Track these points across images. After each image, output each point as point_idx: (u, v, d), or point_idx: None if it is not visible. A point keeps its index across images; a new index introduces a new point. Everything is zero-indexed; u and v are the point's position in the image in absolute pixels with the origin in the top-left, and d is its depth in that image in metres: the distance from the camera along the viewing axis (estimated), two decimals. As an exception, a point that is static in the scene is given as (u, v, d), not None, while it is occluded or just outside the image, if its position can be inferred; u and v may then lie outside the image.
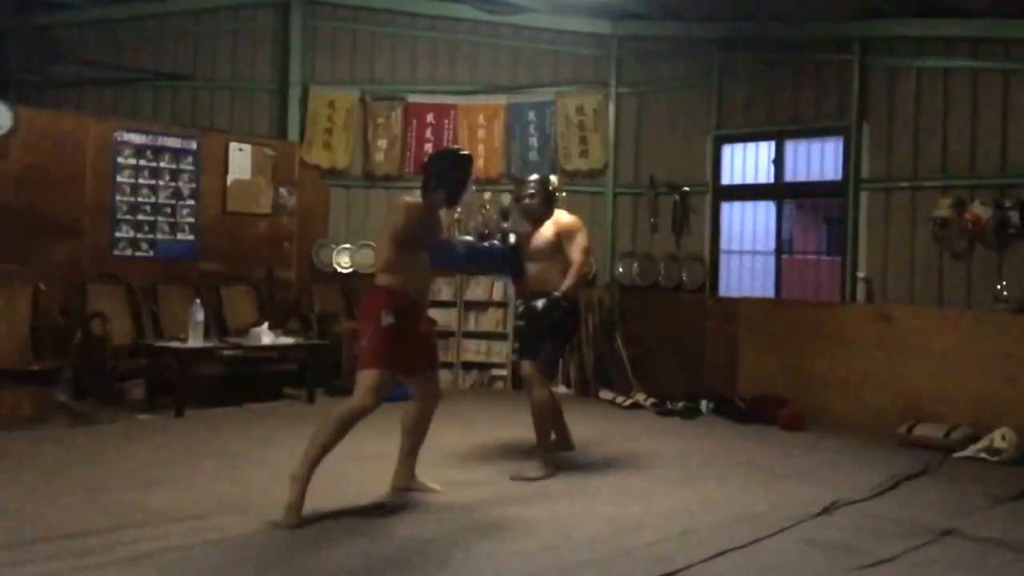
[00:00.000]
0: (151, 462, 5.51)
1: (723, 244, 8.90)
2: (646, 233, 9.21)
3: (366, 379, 4.43)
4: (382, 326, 4.45)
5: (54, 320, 7.34)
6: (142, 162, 8.28)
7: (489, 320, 9.14)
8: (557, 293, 5.38)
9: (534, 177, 5.82)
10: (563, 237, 5.49)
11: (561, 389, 8.63)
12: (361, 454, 5.94)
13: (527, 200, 5.59)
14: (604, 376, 8.80)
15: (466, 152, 5.08)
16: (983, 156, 7.33)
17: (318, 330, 8.29)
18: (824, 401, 7.54)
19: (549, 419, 5.52)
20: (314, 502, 4.67)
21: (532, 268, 5.51)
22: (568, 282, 5.40)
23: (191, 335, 7.10)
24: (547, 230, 5.53)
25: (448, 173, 4.72)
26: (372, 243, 9.30)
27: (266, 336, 7.54)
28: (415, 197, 4.82)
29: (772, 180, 8.62)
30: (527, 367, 5.51)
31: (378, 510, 4.61)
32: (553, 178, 5.74)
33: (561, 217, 5.61)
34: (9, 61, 9.37)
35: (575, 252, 5.45)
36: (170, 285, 8.21)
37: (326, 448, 4.40)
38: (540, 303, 5.39)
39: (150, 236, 8.33)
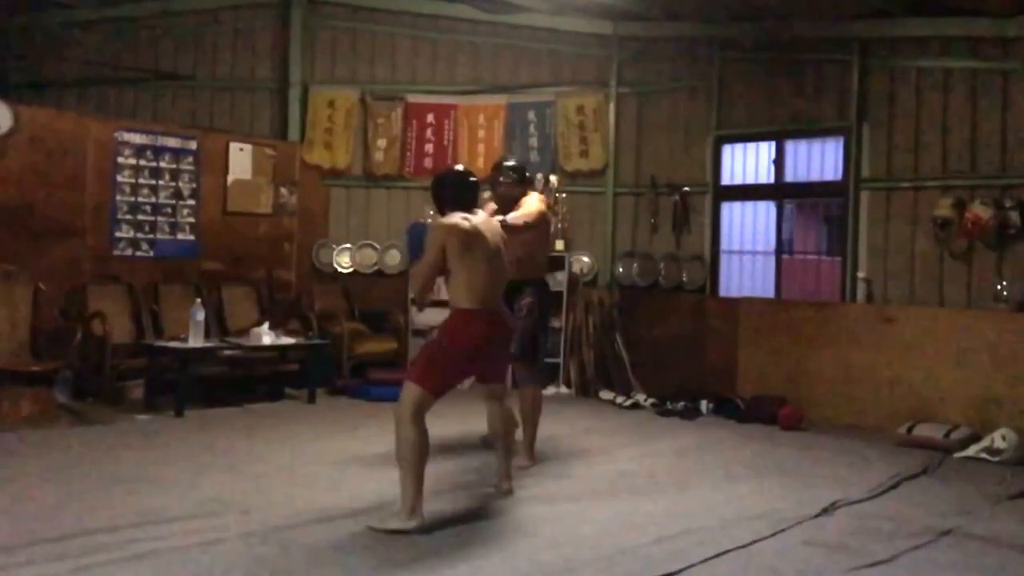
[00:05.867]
0: (151, 462, 5.51)
1: (723, 244, 8.89)
2: (646, 233, 9.20)
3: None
4: (442, 346, 4.52)
5: (54, 320, 7.34)
6: (142, 162, 8.27)
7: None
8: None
9: (511, 163, 5.85)
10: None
11: (562, 389, 8.64)
12: (363, 455, 5.94)
13: (505, 187, 5.68)
14: (604, 376, 8.80)
15: (462, 170, 4.89)
16: (983, 156, 7.33)
17: (318, 330, 8.28)
18: (824, 401, 7.54)
19: (538, 413, 5.76)
20: (315, 502, 4.67)
21: (512, 255, 5.51)
22: (511, 218, 5.38)
23: (191, 335, 7.10)
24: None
25: (452, 196, 4.62)
26: (374, 243, 9.37)
27: (266, 336, 7.54)
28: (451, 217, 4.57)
29: (772, 180, 8.62)
30: (522, 368, 5.69)
31: (375, 511, 4.60)
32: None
33: (526, 203, 5.67)
34: (9, 61, 9.38)
35: (531, 207, 5.57)
36: (170, 285, 8.20)
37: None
38: (525, 303, 5.56)
39: (150, 236, 8.32)
